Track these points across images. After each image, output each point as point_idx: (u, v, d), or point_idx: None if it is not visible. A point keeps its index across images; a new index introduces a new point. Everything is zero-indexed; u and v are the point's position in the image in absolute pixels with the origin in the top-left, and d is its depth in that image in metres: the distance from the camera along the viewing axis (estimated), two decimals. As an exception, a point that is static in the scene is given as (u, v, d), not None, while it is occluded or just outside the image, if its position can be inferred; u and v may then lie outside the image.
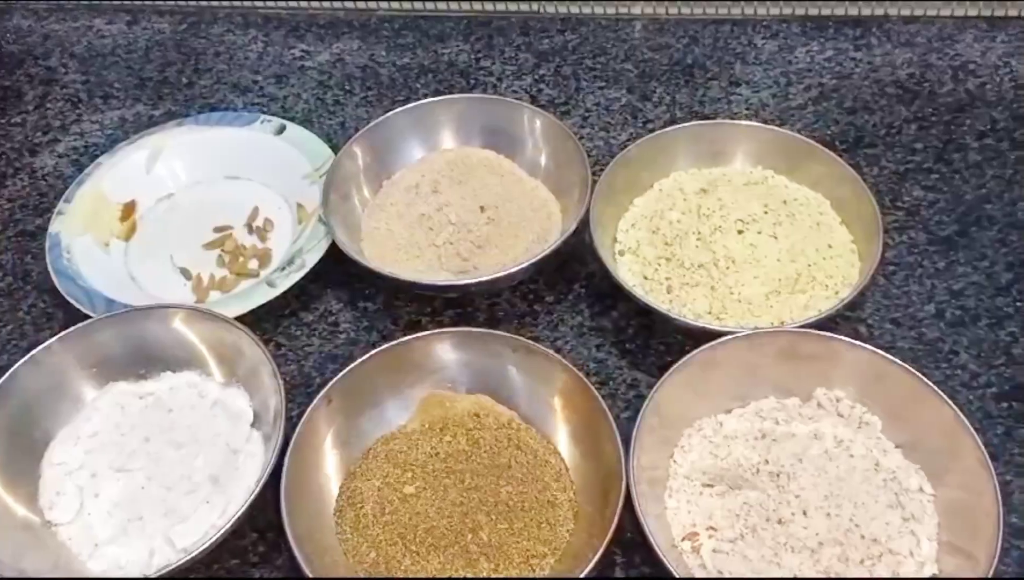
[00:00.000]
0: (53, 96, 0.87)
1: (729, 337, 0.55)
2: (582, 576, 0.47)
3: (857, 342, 0.55)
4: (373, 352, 0.56)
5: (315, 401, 0.54)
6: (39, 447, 0.56)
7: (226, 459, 0.55)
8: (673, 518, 0.52)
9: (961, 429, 0.50)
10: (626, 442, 0.51)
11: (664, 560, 0.47)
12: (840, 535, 0.49)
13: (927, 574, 0.48)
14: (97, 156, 0.75)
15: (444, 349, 0.58)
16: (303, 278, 0.64)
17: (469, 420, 0.57)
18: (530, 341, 0.57)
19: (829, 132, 0.76)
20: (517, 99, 0.79)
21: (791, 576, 0.48)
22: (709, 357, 0.55)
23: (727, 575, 0.49)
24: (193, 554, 0.49)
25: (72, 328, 0.58)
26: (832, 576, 0.48)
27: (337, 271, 0.67)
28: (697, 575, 0.49)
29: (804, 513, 0.50)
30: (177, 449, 0.56)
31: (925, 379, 0.52)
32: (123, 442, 0.56)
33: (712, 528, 0.52)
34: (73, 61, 0.90)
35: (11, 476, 0.54)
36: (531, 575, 0.51)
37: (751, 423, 0.55)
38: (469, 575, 0.51)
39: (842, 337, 0.55)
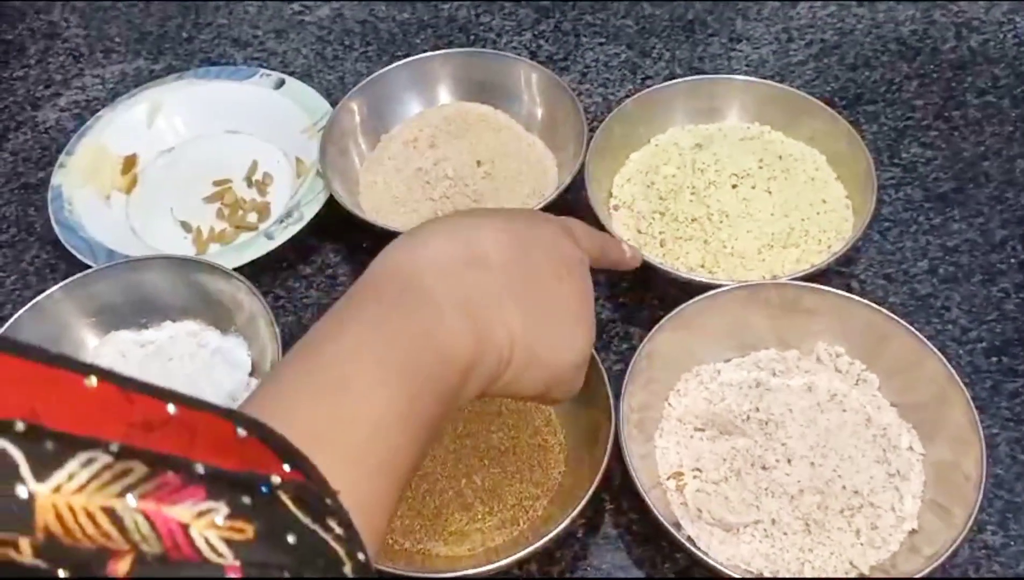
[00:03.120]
0: (55, 50, 0.87)
1: (729, 287, 0.55)
2: (571, 516, 0.48)
3: (862, 299, 0.55)
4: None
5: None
6: (43, 393, 0.57)
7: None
8: (661, 458, 0.54)
9: (955, 392, 0.51)
10: (617, 390, 0.52)
11: (644, 495, 0.48)
12: (821, 484, 0.50)
13: (907, 529, 0.49)
14: (98, 110, 0.76)
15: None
16: (301, 231, 0.65)
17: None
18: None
19: (829, 88, 0.76)
20: (516, 54, 0.78)
21: (769, 519, 0.49)
22: (707, 307, 0.55)
23: (706, 514, 0.50)
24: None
25: (74, 277, 0.59)
26: (809, 522, 0.49)
27: (335, 224, 0.67)
28: (677, 513, 0.50)
29: (788, 461, 0.51)
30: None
31: (926, 341, 0.53)
32: (124, 389, 0.57)
33: (698, 470, 0.53)
34: (75, 15, 0.90)
35: (16, 421, 0.56)
36: (524, 516, 0.52)
37: (747, 372, 0.56)
38: (464, 518, 0.52)
39: (846, 293, 0.56)
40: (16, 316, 0.57)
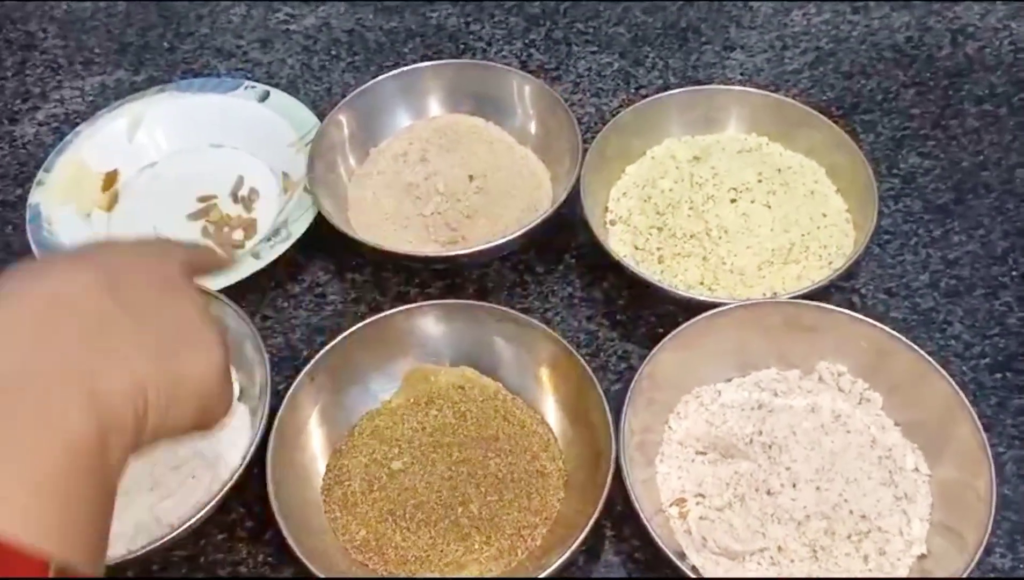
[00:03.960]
0: (33, 62, 0.84)
1: (728, 306, 0.54)
2: (571, 548, 0.46)
3: (863, 317, 0.54)
4: (355, 328, 0.56)
5: (298, 379, 0.54)
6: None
7: (212, 433, 0.55)
8: (663, 483, 0.52)
9: (961, 411, 0.50)
10: (616, 412, 0.51)
11: (647, 524, 0.46)
12: (828, 509, 0.49)
13: (915, 553, 0.48)
14: (78, 124, 0.74)
15: (428, 322, 0.57)
16: (289, 249, 0.63)
17: (454, 393, 0.56)
18: (515, 312, 0.56)
19: (825, 97, 0.75)
20: (507, 64, 0.77)
21: (775, 547, 0.48)
22: (707, 326, 0.54)
23: (711, 543, 0.48)
24: (179, 530, 0.48)
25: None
26: (816, 549, 0.48)
27: (324, 242, 0.65)
28: (681, 541, 0.49)
29: (794, 485, 0.50)
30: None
31: (930, 358, 0.52)
32: (107, 417, 0.55)
33: (701, 495, 0.51)
34: (53, 25, 0.88)
35: (-6, 452, 0.53)
36: (523, 546, 0.51)
37: (749, 393, 0.55)
38: (460, 549, 0.51)
39: (847, 311, 0.55)
40: (-7, 343, 0.55)
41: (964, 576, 0.45)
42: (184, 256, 0.41)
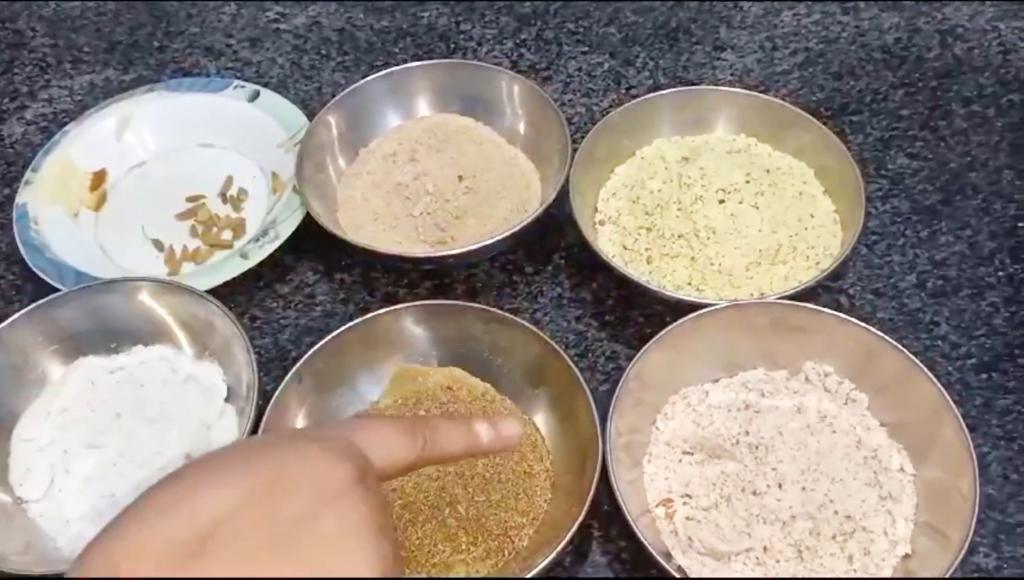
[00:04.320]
0: (20, 60, 0.84)
1: (716, 307, 0.54)
2: (557, 549, 0.47)
3: (850, 317, 0.54)
4: (343, 328, 0.56)
5: (285, 380, 0.54)
6: (7, 424, 0.55)
7: (199, 435, 0.55)
8: (650, 484, 0.52)
9: (946, 411, 0.50)
10: (604, 412, 0.51)
11: (633, 524, 0.47)
12: (813, 509, 0.49)
13: (900, 553, 0.48)
14: (66, 123, 0.73)
15: (416, 323, 0.57)
16: (278, 249, 0.63)
17: (442, 393, 0.56)
18: (504, 312, 0.56)
19: (814, 98, 0.75)
20: (497, 64, 0.77)
21: (760, 547, 0.48)
22: (695, 327, 0.54)
23: (697, 543, 0.48)
24: (165, 531, 0.48)
25: (36, 303, 0.57)
26: (802, 549, 0.48)
27: (312, 242, 0.65)
28: (668, 542, 0.49)
29: (779, 486, 0.50)
30: (149, 425, 0.55)
31: (915, 359, 0.52)
32: (94, 418, 0.55)
33: (688, 496, 0.51)
34: (41, 24, 0.88)
35: (-21, 453, 0.53)
36: (510, 546, 0.51)
37: (736, 394, 0.55)
38: (447, 549, 0.51)
39: (834, 312, 0.55)
40: (-23, 344, 0.55)
41: (948, 576, 0.45)
42: (396, 450, 0.36)
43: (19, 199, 0.67)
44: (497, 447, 0.41)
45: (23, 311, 0.56)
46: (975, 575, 0.51)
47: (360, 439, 0.35)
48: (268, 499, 0.31)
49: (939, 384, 0.51)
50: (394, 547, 0.33)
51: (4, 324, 0.56)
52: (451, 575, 0.50)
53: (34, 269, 0.62)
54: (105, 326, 0.58)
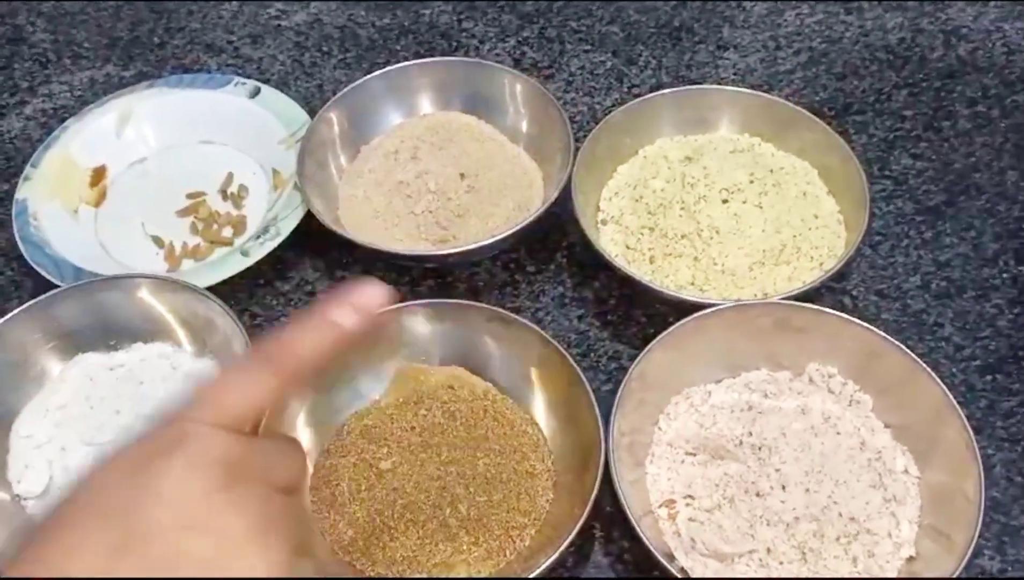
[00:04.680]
0: (20, 56, 0.84)
1: (719, 307, 0.54)
2: (560, 549, 0.46)
3: (853, 318, 0.54)
4: (346, 326, 0.55)
5: (287, 376, 0.53)
6: (6, 420, 0.55)
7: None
8: (652, 484, 0.52)
9: (950, 413, 0.50)
10: (606, 412, 0.51)
11: (636, 525, 0.46)
12: (817, 511, 0.48)
13: (904, 555, 0.48)
14: (66, 119, 0.73)
15: (417, 322, 0.56)
16: (278, 247, 0.63)
17: (444, 392, 0.56)
18: (505, 311, 0.56)
19: (818, 98, 0.75)
20: (499, 62, 0.76)
21: (764, 549, 0.48)
22: (698, 326, 0.54)
23: (700, 544, 0.48)
24: (164, 530, 0.48)
25: (36, 299, 0.57)
26: (806, 551, 0.47)
27: (313, 239, 0.65)
28: (670, 543, 0.49)
29: (783, 487, 0.50)
30: (148, 422, 0.54)
31: (920, 361, 0.51)
32: (93, 415, 0.55)
33: (690, 497, 0.51)
34: (41, 19, 0.87)
35: (-23, 450, 0.53)
36: (512, 546, 0.50)
37: (739, 395, 0.55)
38: (449, 549, 0.50)
39: (838, 313, 0.54)
40: (-24, 341, 0.55)
41: (953, 578, 0.45)
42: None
43: (19, 195, 0.66)
44: (368, 321, 0.35)
45: (22, 307, 0.56)
46: (979, 578, 0.50)
47: (208, 402, 0.32)
48: (134, 547, 0.28)
49: (943, 386, 0.50)
50: (290, 536, 0.31)
51: (3, 320, 0.55)
52: (452, 575, 0.50)
53: (33, 265, 0.61)
54: (105, 323, 0.58)
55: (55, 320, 0.57)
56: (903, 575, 0.48)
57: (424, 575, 0.50)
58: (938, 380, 0.51)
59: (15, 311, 0.56)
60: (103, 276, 0.60)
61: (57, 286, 0.58)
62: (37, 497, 0.53)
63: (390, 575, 0.50)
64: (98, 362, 0.58)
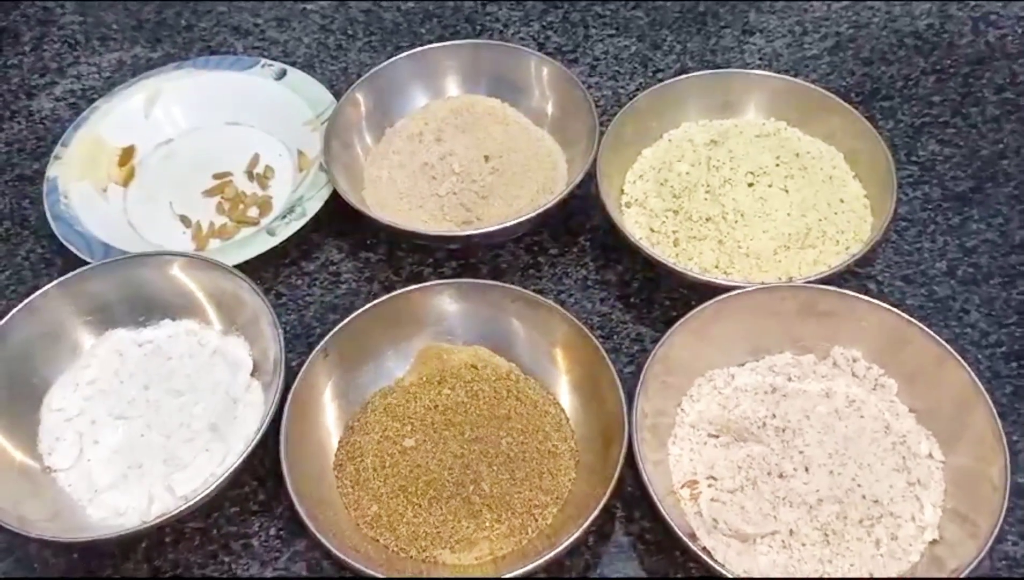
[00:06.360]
0: (50, 37, 0.85)
1: (743, 290, 0.54)
2: (583, 527, 0.46)
3: (878, 301, 0.54)
4: (370, 305, 0.56)
5: (312, 354, 0.54)
6: (38, 393, 0.56)
7: (226, 407, 0.55)
8: (675, 465, 0.52)
9: (977, 398, 0.50)
10: (629, 394, 0.51)
11: (658, 504, 0.46)
12: (841, 493, 0.48)
13: (928, 539, 0.48)
14: (95, 100, 0.74)
15: (442, 301, 0.57)
16: (304, 227, 0.63)
17: (467, 372, 0.56)
18: (530, 292, 0.56)
19: (844, 83, 0.74)
20: (524, 46, 0.76)
21: (786, 530, 0.48)
22: (722, 309, 0.54)
23: (722, 525, 0.48)
24: (192, 502, 0.49)
25: (69, 274, 0.57)
26: (828, 533, 0.47)
27: (338, 220, 0.65)
28: (692, 523, 0.49)
29: (806, 469, 0.50)
30: (176, 397, 0.55)
31: (947, 345, 0.51)
32: (122, 389, 0.56)
33: (713, 478, 0.51)
34: (71, 2, 0.88)
35: (10, 422, 0.54)
36: (534, 524, 0.51)
37: (762, 377, 0.55)
38: (471, 526, 0.51)
39: (863, 296, 0.54)
40: (9, 315, 0.55)
41: (976, 563, 0.45)
42: None
43: (49, 173, 0.67)
44: None
45: (56, 281, 0.57)
46: (1003, 563, 0.50)
47: None
48: None
49: (970, 371, 0.50)
50: None
51: (37, 294, 0.56)
52: (475, 552, 0.50)
53: (64, 242, 0.62)
54: (135, 299, 0.59)
55: (87, 295, 0.58)
56: (926, 559, 0.48)
57: (447, 552, 0.50)
58: (964, 365, 0.51)
59: (50, 285, 0.57)
60: (134, 253, 0.60)
61: (87, 263, 0.59)
62: (67, 469, 0.54)
63: (413, 552, 0.50)
64: (128, 338, 0.58)
